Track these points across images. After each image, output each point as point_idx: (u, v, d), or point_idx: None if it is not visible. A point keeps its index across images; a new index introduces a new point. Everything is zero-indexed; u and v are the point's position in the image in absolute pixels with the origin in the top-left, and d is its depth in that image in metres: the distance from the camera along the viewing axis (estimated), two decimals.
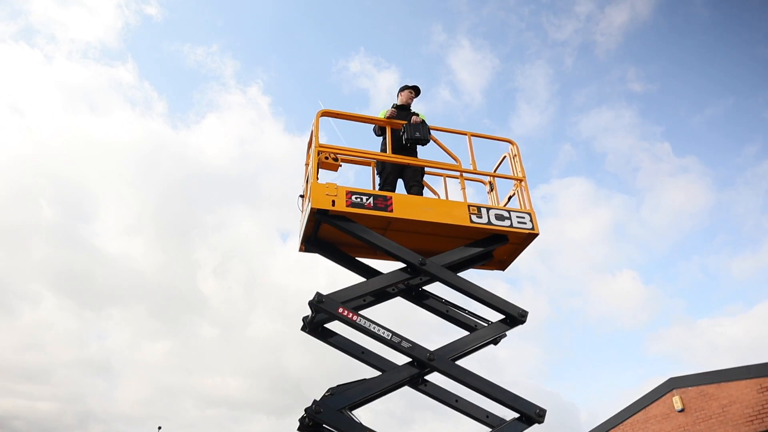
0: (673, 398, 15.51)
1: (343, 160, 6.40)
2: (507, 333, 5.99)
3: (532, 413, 5.27)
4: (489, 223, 6.03)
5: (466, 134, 6.76)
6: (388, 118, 6.56)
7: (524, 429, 5.31)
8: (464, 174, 6.56)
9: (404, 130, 6.36)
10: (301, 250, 6.34)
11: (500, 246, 6.24)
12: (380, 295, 6.12)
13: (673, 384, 15.72)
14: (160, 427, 52.52)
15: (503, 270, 6.95)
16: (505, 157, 7.04)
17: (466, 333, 5.96)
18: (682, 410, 15.19)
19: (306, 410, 4.79)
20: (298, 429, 5.11)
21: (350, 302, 5.52)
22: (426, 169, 7.00)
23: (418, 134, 6.29)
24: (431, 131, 6.82)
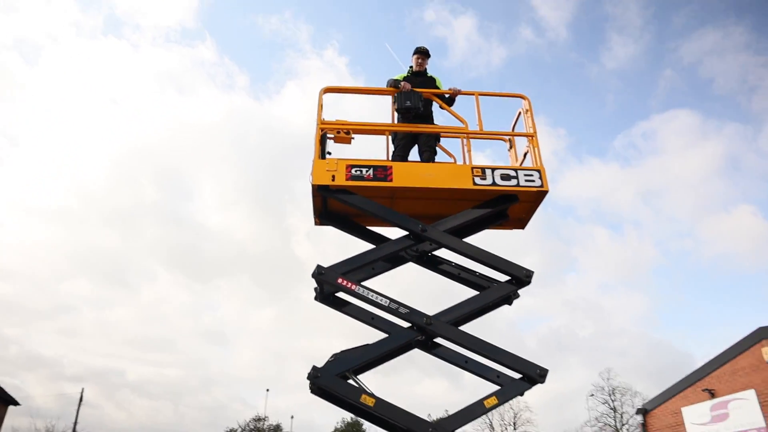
0: (763, 349, 14.51)
1: (355, 132, 6.50)
2: (519, 292, 5.95)
3: (533, 373, 5.29)
4: (494, 184, 5.96)
5: (473, 94, 6.66)
6: (401, 89, 6.57)
7: (527, 388, 5.36)
8: (472, 135, 6.50)
9: (395, 100, 6.38)
10: (316, 224, 6.59)
11: (510, 205, 6.16)
12: (394, 261, 6.25)
13: (763, 334, 14.71)
14: (267, 390, 56.48)
15: (523, 228, 6.84)
16: (520, 113, 6.85)
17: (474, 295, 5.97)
18: None
19: (308, 376, 5.10)
20: (311, 392, 5.45)
21: (355, 271, 5.71)
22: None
23: (408, 103, 6.29)
24: (446, 95, 6.87)
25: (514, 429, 56.33)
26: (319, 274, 5.47)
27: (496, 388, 5.46)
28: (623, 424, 54.13)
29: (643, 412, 19.87)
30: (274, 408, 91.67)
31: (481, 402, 5.22)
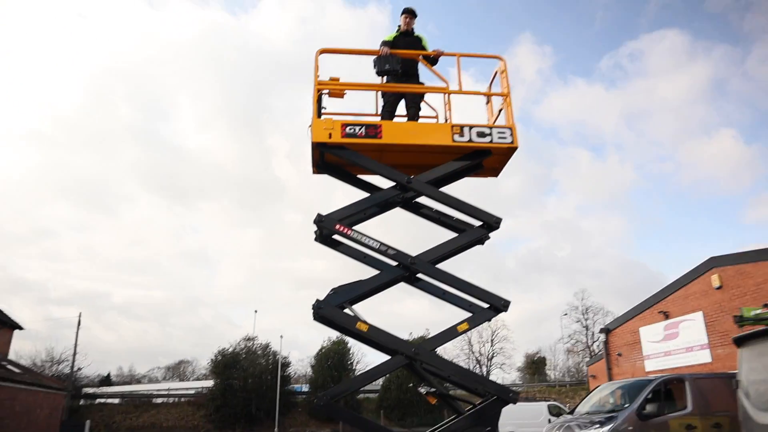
0: (712, 276, 16.02)
1: (348, 90, 7.22)
2: (489, 235, 6.93)
3: (498, 304, 6.36)
4: (470, 140, 6.78)
5: (455, 55, 7.35)
6: (380, 54, 7.19)
7: (493, 316, 6.46)
8: (452, 92, 7.26)
9: (375, 64, 7.04)
10: (314, 172, 7.42)
11: (485, 158, 7.03)
12: (383, 207, 7.15)
13: (713, 263, 16.17)
14: (256, 311, 58.49)
15: (496, 176, 7.74)
16: (496, 72, 7.58)
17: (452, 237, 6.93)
18: (719, 287, 15.75)
19: (312, 306, 6.10)
20: (314, 320, 6.48)
21: (350, 217, 6.62)
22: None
23: (387, 66, 6.96)
24: (431, 55, 7.53)
25: (492, 346, 59.71)
26: (320, 221, 6.37)
27: (468, 315, 6.55)
28: (594, 341, 57.71)
29: (606, 331, 21.73)
30: (259, 328, 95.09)
31: (454, 327, 6.30)
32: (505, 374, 59.43)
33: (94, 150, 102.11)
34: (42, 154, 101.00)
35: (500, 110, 7.38)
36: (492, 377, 49.50)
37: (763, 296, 14.04)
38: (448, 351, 56.22)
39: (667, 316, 18.02)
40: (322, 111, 6.91)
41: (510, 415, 24.79)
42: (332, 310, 6.10)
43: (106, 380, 59.17)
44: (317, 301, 6.08)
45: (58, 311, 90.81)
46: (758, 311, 6.70)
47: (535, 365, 60.46)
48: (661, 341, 18.26)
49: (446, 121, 7.19)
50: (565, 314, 60.64)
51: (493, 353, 59.40)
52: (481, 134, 6.83)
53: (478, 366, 57.58)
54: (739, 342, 6.02)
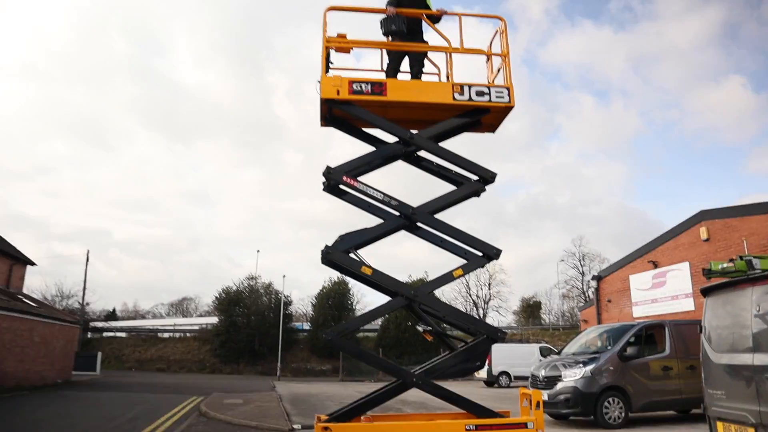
0: (701, 229, 16.62)
1: (355, 47, 7.60)
2: (486, 188, 7.45)
3: (491, 252, 6.94)
4: (470, 99, 7.20)
5: (457, 15, 7.69)
6: (387, 14, 7.50)
7: (486, 263, 7.06)
8: (454, 51, 7.63)
9: (381, 25, 7.38)
10: (322, 125, 7.87)
11: (483, 116, 7.47)
12: (387, 159, 7.65)
13: (703, 216, 16.72)
14: (258, 250, 59.35)
15: (493, 132, 8.19)
16: (497, 32, 7.91)
17: (451, 189, 7.45)
18: (707, 240, 16.37)
19: (321, 252, 6.70)
20: (322, 263, 7.08)
21: (356, 169, 7.12)
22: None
23: (394, 27, 7.31)
24: (434, 15, 7.82)
25: (489, 289, 61.15)
26: (328, 173, 6.88)
27: (463, 261, 7.15)
28: (588, 288, 59.13)
29: (598, 278, 22.54)
30: (261, 267, 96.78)
31: (450, 272, 6.91)
32: (501, 317, 61.16)
33: (90, 85, 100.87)
34: (37, 89, 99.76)
35: (498, 70, 7.75)
36: (488, 320, 51.11)
37: (748, 249, 14.69)
38: (446, 294, 57.70)
39: (656, 265, 18.73)
40: (330, 66, 7.30)
41: (504, 356, 26.27)
42: (340, 254, 6.69)
43: (112, 315, 61.02)
44: (326, 246, 6.67)
45: (60, 247, 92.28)
46: (725, 265, 7.26)
47: (530, 309, 62.12)
48: (649, 289, 19.06)
49: (448, 78, 7.59)
50: (562, 260, 61.88)
51: (490, 297, 60.92)
52: (480, 93, 7.24)
53: (475, 309, 59.17)
54: (706, 292, 6.64)
